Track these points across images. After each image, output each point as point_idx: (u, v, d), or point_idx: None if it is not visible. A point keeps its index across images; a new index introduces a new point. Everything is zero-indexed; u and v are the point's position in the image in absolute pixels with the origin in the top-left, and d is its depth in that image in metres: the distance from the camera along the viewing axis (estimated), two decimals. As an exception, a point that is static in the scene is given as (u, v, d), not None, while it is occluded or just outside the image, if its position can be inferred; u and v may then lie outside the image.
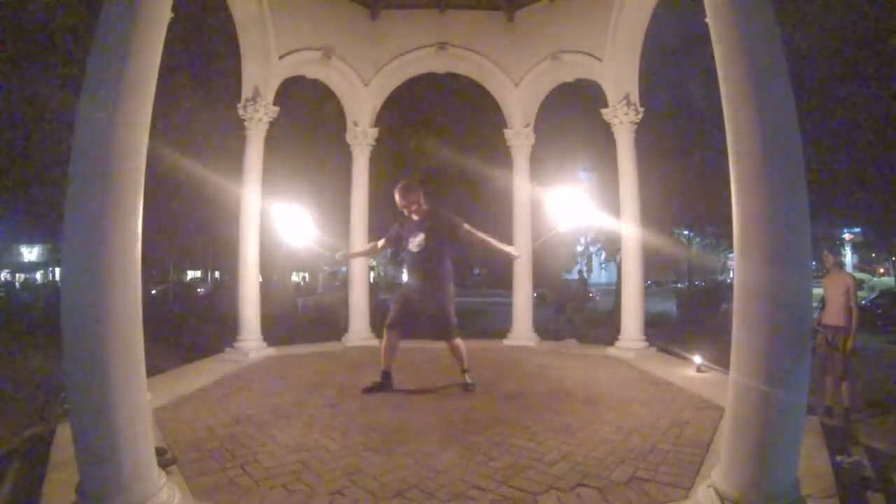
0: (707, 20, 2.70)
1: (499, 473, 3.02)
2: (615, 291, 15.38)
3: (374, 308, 8.81)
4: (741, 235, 2.52)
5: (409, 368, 5.68)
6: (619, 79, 7.05)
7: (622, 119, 7.01)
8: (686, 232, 22.21)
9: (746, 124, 2.49)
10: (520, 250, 8.00)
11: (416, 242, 4.80)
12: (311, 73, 7.86)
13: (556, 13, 7.59)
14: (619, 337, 7.15)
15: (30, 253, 35.52)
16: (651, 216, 8.97)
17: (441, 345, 5.14)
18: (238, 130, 7.38)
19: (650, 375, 5.72)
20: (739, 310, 2.52)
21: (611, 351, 7.07)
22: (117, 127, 2.39)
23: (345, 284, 11.48)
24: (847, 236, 26.02)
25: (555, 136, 12.47)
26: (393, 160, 12.93)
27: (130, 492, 2.31)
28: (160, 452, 2.89)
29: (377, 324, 6.59)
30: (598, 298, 21.59)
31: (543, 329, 8.95)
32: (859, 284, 6.45)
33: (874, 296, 16.74)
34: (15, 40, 10.05)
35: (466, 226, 4.79)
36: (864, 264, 34.46)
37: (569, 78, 8.01)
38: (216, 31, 9.77)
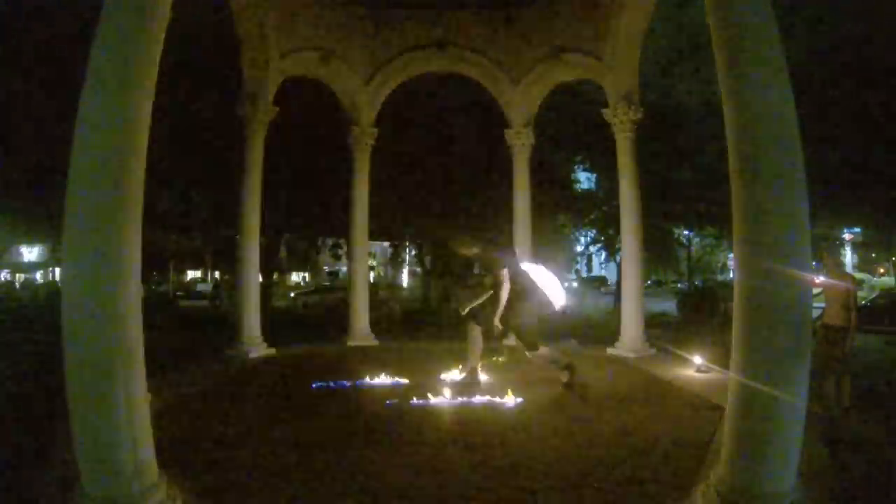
0: (708, 20, 2.70)
1: (499, 473, 3.02)
2: (615, 291, 15.39)
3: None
4: (741, 235, 2.53)
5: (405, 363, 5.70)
6: (620, 78, 7.04)
7: (622, 119, 7.00)
8: (686, 232, 22.16)
9: (746, 123, 2.49)
10: (520, 249, 8.08)
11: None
12: (312, 72, 7.85)
13: (555, 13, 7.58)
14: (620, 337, 7.15)
15: (30, 253, 35.46)
16: (651, 216, 8.95)
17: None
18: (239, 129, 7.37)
19: (650, 375, 5.73)
20: (739, 310, 2.52)
21: (611, 351, 7.07)
22: (117, 126, 2.39)
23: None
24: (847, 236, 25.96)
25: (554, 136, 12.45)
26: (393, 160, 12.88)
27: (131, 492, 2.31)
28: (160, 452, 2.89)
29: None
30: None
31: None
32: (859, 284, 6.44)
33: (874, 296, 16.75)
34: (13, 40, 10.03)
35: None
36: (864, 264, 34.42)
37: (569, 78, 8.01)
38: (217, 30, 9.76)
